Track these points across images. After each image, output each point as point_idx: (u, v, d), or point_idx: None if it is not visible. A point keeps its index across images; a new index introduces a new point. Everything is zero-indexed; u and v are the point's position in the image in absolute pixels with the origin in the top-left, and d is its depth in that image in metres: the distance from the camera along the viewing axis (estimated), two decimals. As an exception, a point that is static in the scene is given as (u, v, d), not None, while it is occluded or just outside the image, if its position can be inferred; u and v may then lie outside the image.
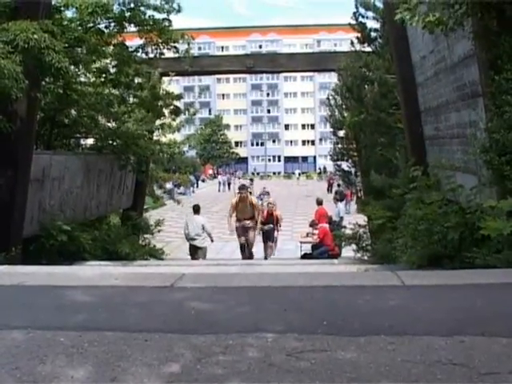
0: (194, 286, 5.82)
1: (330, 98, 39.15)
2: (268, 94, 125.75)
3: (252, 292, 5.56)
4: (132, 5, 16.61)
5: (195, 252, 17.32)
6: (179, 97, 21.48)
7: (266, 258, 19.00)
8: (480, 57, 8.58)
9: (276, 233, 20.22)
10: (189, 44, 18.12)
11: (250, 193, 19.03)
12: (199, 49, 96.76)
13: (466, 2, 7.37)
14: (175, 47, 17.75)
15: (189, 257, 17.89)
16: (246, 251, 17.84)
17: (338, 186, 44.15)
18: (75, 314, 4.88)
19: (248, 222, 17.53)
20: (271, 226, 19.63)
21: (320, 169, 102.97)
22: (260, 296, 5.36)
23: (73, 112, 16.97)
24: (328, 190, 52.94)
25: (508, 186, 7.32)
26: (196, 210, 17.99)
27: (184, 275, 6.28)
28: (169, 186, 28.01)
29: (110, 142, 17.14)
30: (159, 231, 21.36)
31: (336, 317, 4.59)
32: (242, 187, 18.57)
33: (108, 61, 17.31)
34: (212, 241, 17.92)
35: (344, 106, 26.44)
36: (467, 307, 4.74)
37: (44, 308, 5.16)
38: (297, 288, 5.65)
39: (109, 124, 17.59)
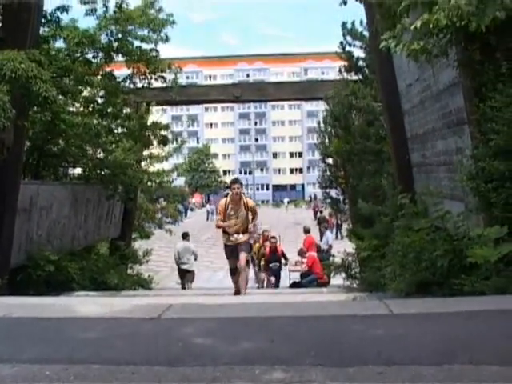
0: (182, 317, 5.77)
1: (320, 125, 39.36)
2: (256, 123, 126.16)
3: (239, 323, 5.51)
4: (120, 35, 16.72)
5: (184, 275, 19.09)
6: (167, 127, 21.53)
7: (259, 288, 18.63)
8: (465, 85, 8.65)
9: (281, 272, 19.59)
10: (176, 74, 18.22)
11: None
12: (187, 78, 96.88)
13: (450, 31, 7.44)
14: (163, 77, 17.84)
15: (177, 286, 19.17)
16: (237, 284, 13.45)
17: (320, 212, 45.01)
18: (61, 347, 4.82)
19: (240, 236, 12.35)
20: (277, 264, 19.15)
21: (310, 197, 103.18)
22: (247, 327, 5.31)
23: (61, 141, 16.96)
24: (315, 217, 53.05)
25: (494, 213, 7.34)
26: (185, 236, 19.71)
27: (171, 306, 6.23)
28: (157, 216, 28.37)
29: (98, 171, 17.13)
30: (147, 261, 21.33)
31: (324, 347, 4.55)
32: (235, 181, 13.09)
33: (96, 91, 17.36)
34: (195, 259, 19.56)
35: (333, 134, 26.59)
36: (455, 335, 4.72)
37: (30, 340, 5.09)
38: (285, 318, 5.61)
39: (97, 154, 17.59)
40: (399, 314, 5.53)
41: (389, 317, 5.50)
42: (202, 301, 8.47)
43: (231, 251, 12.47)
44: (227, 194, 13.91)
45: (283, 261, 19.92)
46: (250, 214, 12.53)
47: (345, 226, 36.33)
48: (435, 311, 5.57)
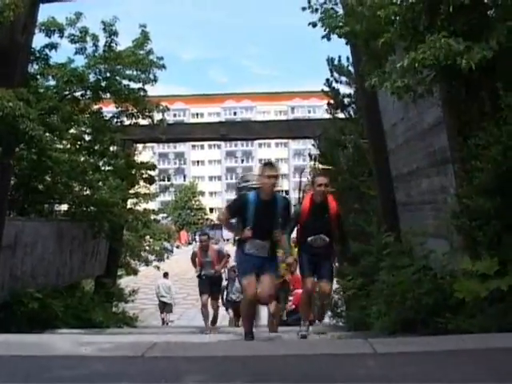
0: (165, 356, 5.73)
1: (308, 163, 39.53)
2: (242, 161, 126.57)
3: (222, 362, 5.46)
4: (108, 74, 16.85)
5: (164, 306, 23.09)
6: (153, 167, 21.57)
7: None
8: (449, 123, 8.73)
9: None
10: (163, 114, 18.36)
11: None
12: (174, 115, 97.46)
13: (434, 69, 7.54)
14: (150, 116, 17.96)
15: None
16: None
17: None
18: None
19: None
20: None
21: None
22: (230, 366, 5.26)
23: (47, 178, 16.93)
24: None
25: (479, 251, 7.37)
26: (165, 275, 24.24)
27: (155, 344, 6.18)
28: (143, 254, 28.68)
29: (84, 208, 17.08)
30: (133, 301, 21.25)
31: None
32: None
33: (83, 128, 17.42)
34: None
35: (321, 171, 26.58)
36: (440, 374, 4.70)
37: (11, 379, 5.02)
38: (268, 357, 5.58)
39: (83, 191, 17.56)
40: (383, 354, 5.51)
41: (373, 356, 5.47)
42: (186, 339, 8.43)
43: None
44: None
45: None
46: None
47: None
48: (419, 350, 5.55)
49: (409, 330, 8.23)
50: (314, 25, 9.58)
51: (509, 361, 4.93)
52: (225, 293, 17.32)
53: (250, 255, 8.16)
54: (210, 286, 14.27)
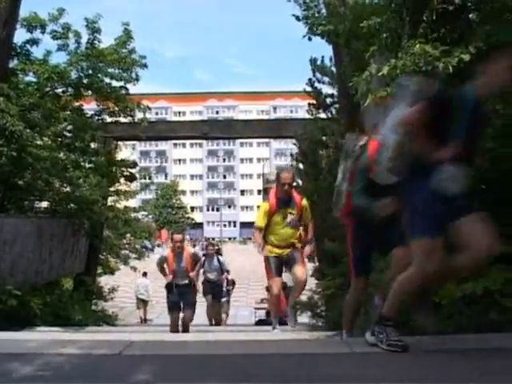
0: (142, 354, 5.71)
1: (291, 163, 39.56)
2: (224, 160, 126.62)
3: (199, 361, 5.45)
4: (90, 71, 16.80)
5: (141, 303, 24.75)
6: (134, 164, 21.51)
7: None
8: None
9: None
10: (144, 112, 18.34)
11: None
12: (156, 114, 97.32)
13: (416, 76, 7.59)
14: (131, 115, 17.94)
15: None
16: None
17: None
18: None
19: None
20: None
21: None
22: (207, 365, 5.25)
23: (27, 175, 16.83)
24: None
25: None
26: (144, 274, 25.70)
27: (133, 343, 6.17)
28: (123, 252, 29.01)
29: (64, 205, 17.00)
30: (112, 298, 21.18)
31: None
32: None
33: (64, 125, 17.34)
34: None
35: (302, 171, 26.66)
36: (416, 374, 4.73)
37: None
38: (246, 356, 5.58)
39: (63, 188, 17.47)
40: (360, 353, 5.53)
41: (350, 355, 5.50)
42: (165, 338, 8.42)
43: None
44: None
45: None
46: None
47: (312, 265, 36.61)
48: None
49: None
50: (298, 18, 9.63)
51: (485, 361, 4.97)
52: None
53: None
54: (180, 298, 12.36)
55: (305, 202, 9.57)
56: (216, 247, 18.83)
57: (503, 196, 6.82)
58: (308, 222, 9.72)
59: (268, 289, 19.89)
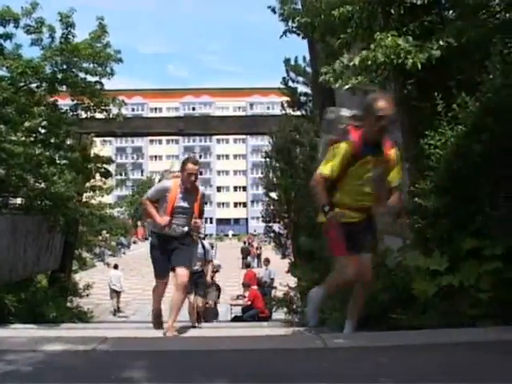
0: (116, 350, 5.70)
1: (265, 159, 39.74)
2: (200, 156, 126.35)
3: (175, 356, 5.46)
4: (64, 66, 16.67)
5: (114, 293, 26.68)
6: (110, 160, 21.38)
7: None
8: (403, 122, 8.86)
9: None
10: (120, 108, 18.23)
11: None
12: (132, 110, 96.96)
13: (387, 68, 7.65)
14: (106, 110, 17.83)
15: (117, 319, 22.03)
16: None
17: (244, 243, 49.20)
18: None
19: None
20: None
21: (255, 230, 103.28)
22: (182, 361, 5.26)
23: (1, 171, 16.67)
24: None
25: (431, 248, 7.48)
26: (115, 267, 28.51)
27: (107, 339, 6.15)
28: (99, 249, 29.87)
29: (39, 202, 16.85)
30: (87, 295, 21.07)
31: (258, 381, 4.55)
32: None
33: (38, 121, 17.18)
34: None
35: (278, 168, 26.85)
36: (390, 370, 4.76)
37: None
38: (221, 352, 5.60)
39: (38, 184, 17.32)
40: (334, 348, 5.57)
41: (324, 350, 5.53)
42: (140, 334, 8.40)
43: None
44: None
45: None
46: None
47: (287, 261, 36.93)
48: (370, 345, 5.62)
49: (362, 326, 8.32)
50: (274, 10, 9.68)
51: (458, 355, 5.03)
52: None
53: None
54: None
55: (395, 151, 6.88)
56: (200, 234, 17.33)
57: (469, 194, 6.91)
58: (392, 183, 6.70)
59: (245, 285, 20.07)
